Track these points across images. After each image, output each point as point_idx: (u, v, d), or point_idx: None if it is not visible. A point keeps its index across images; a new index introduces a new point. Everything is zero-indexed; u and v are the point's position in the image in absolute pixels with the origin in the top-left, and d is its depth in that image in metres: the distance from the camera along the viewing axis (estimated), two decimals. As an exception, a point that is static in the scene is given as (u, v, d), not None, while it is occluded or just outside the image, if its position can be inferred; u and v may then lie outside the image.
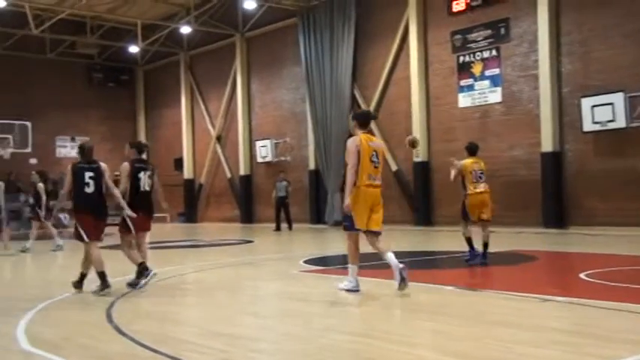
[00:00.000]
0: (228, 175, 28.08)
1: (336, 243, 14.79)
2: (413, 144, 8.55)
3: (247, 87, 27.08)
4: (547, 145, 17.48)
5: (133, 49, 29.22)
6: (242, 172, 27.07)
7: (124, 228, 8.28)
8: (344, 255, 7.79)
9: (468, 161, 10.06)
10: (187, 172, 30.01)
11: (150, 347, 5.00)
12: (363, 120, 7.62)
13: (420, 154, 20.35)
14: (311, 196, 23.83)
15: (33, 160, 26.07)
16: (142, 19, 26.67)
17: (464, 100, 19.55)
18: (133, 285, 8.13)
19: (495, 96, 18.80)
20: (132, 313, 6.75)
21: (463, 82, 19.54)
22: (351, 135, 7.69)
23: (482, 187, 9.96)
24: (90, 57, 31.08)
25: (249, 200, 26.92)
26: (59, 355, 4.88)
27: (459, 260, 10.37)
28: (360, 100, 22.26)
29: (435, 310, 6.49)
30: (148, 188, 8.45)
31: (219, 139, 28.62)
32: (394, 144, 21.51)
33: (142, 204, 8.41)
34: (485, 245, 9.93)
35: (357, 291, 7.35)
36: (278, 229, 21.32)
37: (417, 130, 20.36)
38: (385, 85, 21.62)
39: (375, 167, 7.33)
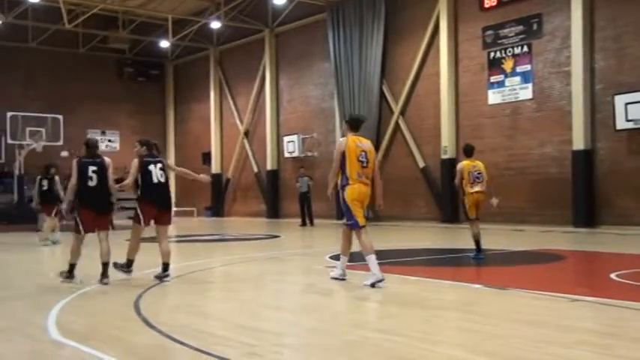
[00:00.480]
0: (256, 169, 28.20)
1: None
2: None
3: (276, 82, 27.13)
4: (578, 142, 17.21)
5: (164, 43, 29.51)
6: (269, 167, 27.16)
7: (135, 218, 8.34)
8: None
9: (465, 163, 10.45)
10: (215, 167, 30.21)
11: (178, 340, 5.03)
12: (355, 124, 8.08)
13: (447, 151, 20.20)
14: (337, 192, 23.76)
15: (64, 153, 26.41)
16: (172, 14, 26.97)
17: (494, 97, 19.33)
18: (160, 277, 8.20)
19: (526, 92, 18.55)
20: (159, 306, 6.82)
21: (493, 79, 19.32)
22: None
23: (478, 187, 10.35)
24: (121, 51, 31.51)
25: (276, 195, 27.00)
26: (89, 346, 4.93)
27: (487, 258, 10.28)
28: (389, 96, 22.15)
29: (461, 308, 6.43)
30: (162, 180, 8.28)
31: (247, 133, 28.76)
32: (422, 140, 21.41)
33: (156, 197, 8.26)
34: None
35: (382, 280, 7.35)
36: (304, 224, 21.40)
37: (445, 126, 20.23)
38: (414, 80, 21.48)
39: (364, 166, 7.80)
